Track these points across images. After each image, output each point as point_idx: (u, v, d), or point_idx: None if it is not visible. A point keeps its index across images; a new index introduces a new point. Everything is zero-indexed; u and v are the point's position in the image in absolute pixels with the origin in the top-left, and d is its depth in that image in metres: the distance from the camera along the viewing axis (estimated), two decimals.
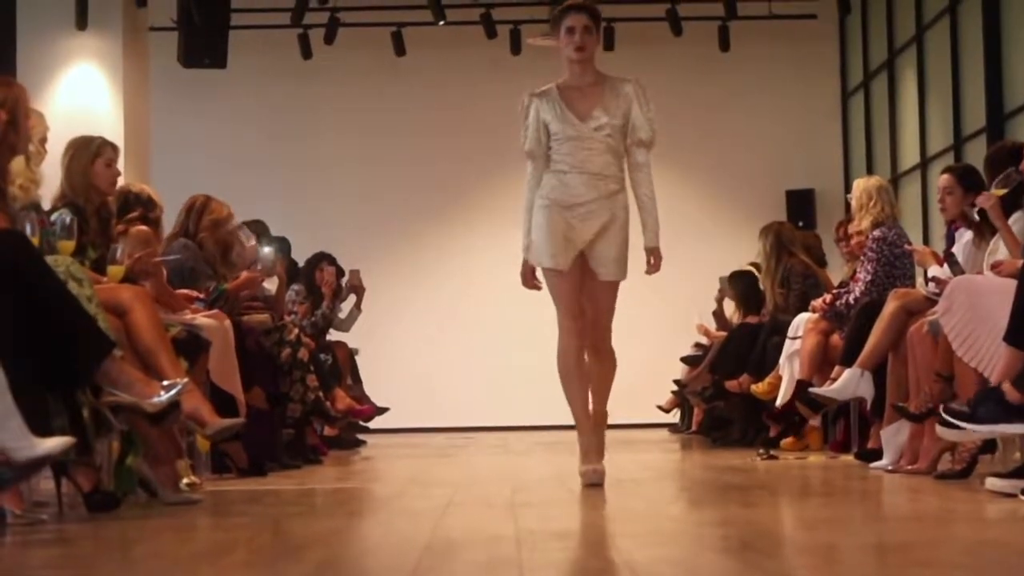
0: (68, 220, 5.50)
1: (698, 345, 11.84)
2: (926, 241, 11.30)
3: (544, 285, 6.01)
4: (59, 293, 4.53)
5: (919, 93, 12.80)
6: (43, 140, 5.77)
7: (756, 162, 15.08)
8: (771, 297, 9.61)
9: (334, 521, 4.74)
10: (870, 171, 13.38)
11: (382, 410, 10.65)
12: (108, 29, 12.38)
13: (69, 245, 5.38)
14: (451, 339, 14.93)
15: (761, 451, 8.22)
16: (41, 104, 8.90)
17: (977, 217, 6.49)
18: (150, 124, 13.02)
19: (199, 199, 7.78)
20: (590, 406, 5.96)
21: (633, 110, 5.93)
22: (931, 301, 6.46)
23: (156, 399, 4.65)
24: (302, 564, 3.38)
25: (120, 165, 6.21)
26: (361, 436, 11.16)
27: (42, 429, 4.10)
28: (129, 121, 12.22)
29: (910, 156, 13.12)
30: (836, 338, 8.23)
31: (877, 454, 6.90)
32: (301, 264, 10.98)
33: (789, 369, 8.67)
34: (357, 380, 11.04)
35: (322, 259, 10.99)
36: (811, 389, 7.60)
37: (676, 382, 11.52)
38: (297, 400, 8.13)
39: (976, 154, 10.01)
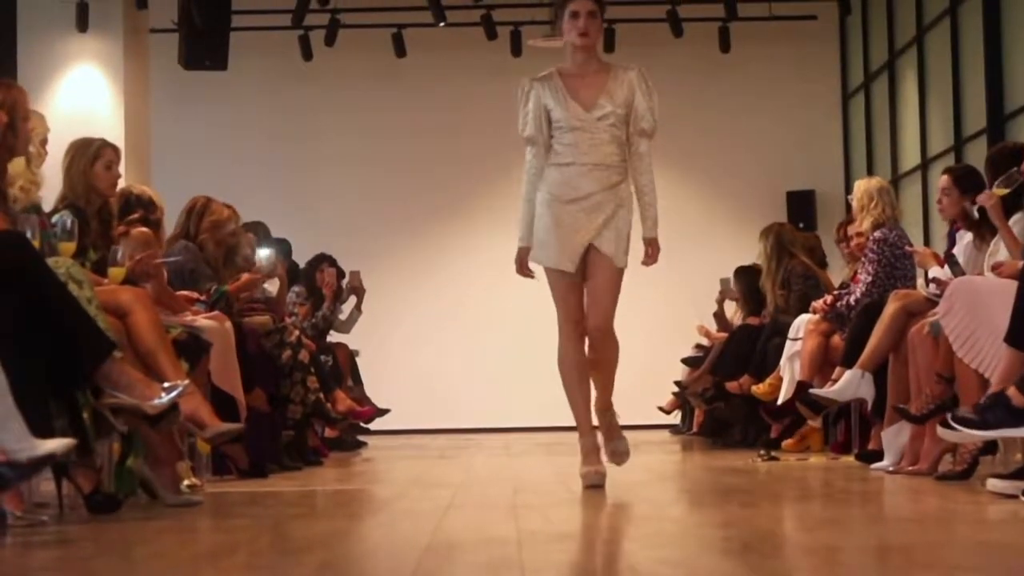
0: (69, 222, 5.49)
1: (699, 346, 11.84)
2: (927, 242, 11.30)
3: (536, 274, 5.91)
4: (60, 294, 4.53)
5: (920, 94, 12.80)
6: (44, 142, 5.77)
7: (756, 163, 15.08)
8: (772, 298, 9.61)
9: (335, 523, 4.74)
10: (870, 172, 13.37)
11: (383, 411, 10.65)
12: (109, 31, 12.38)
13: (70, 247, 5.38)
14: (452, 340, 14.94)
15: (762, 452, 8.22)
16: (42, 106, 8.91)
17: (977, 215, 6.49)
18: (151, 126, 13.02)
19: (200, 201, 7.78)
20: (592, 402, 5.92)
21: (636, 98, 5.83)
22: (932, 302, 6.46)
23: (157, 401, 4.65)
24: (303, 566, 3.38)
25: (121, 167, 6.21)
26: (362, 438, 11.16)
27: (43, 430, 4.09)
28: (130, 123, 12.22)
29: (911, 157, 13.12)
30: (837, 339, 8.23)
31: (878, 455, 6.89)
32: (302, 265, 10.99)
33: (790, 370, 8.67)
34: (358, 381, 11.05)
35: (323, 260, 10.99)
36: (812, 390, 7.59)
37: (677, 383, 11.52)
38: (298, 402, 8.13)
39: (977, 155, 10.01)
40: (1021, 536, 3.92)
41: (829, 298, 8.45)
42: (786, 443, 8.82)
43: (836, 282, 9.39)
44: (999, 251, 6.17)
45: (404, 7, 14.13)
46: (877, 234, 8.04)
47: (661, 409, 12.04)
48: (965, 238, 6.79)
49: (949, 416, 4.91)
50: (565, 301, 5.89)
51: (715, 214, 15.03)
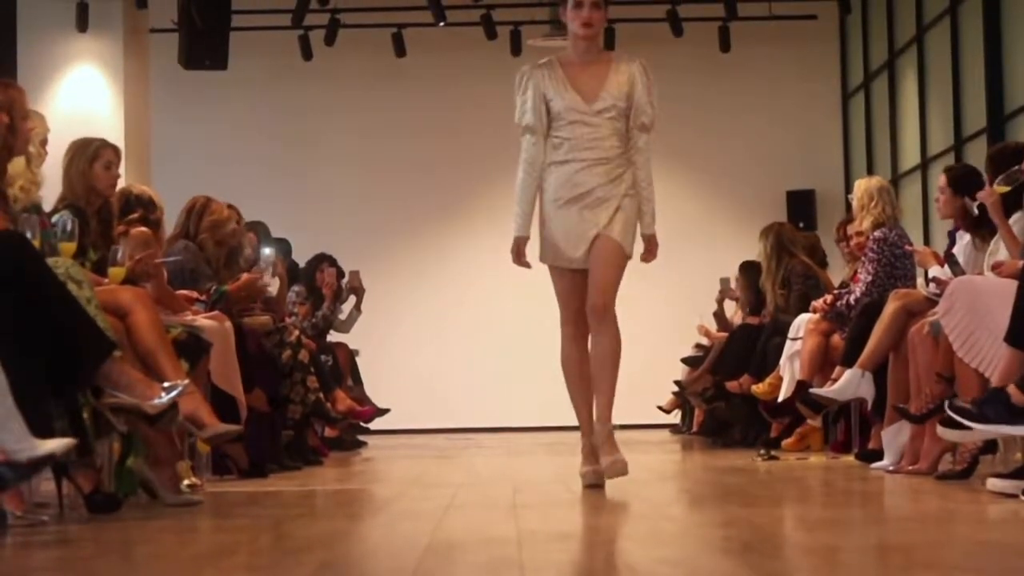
0: (69, 222, 5.49)
1: (699, 346, 11.84)
2: (927, 242, 11.30)
3: (535, 267, 5.86)
4: (60, 294, 4.53)
5: (919, 94, 12.80)
6: (44, 142, 5.76)
7: (756, 163, 15.08)
8: (772, 298, 9.61)
9: (335, 522, 4.74)
10: (870, 172, 13.37)
11: (382, 411, 10.65)
12: (109, 31, 12.39)
13: (70, 247, 5.38)
14: (452, 340, 14.94)
15: (762, 452, 8.22)
16: (42, 106, 8.91)
17: (976, 211, 6.49)
18: (151, 125, 13.03)
19: (199, 200, 7.78)
20: (594, 409, 5.90)
21: (637, 92, 5.78)
22: (932, 302, 6.46)
23: (157, 401, 4.65)
24: (303, 566, 3.38)
25: (120, 167, 6.21)
26: (362, 437, 11.16)
27: (43, 430, 4.09)
28: (130, 122, 12.23)
29: (910, 157, 13.12)
30: (837, 339, 8.22)
31: (878, 455, 6.90)
32: (302, 265, 10.99)
33: (790, 370, 8.67)
34: (358, 381, 11.04)
35: (323, 260, 10.99)
36: (812, 390, 7.59)
37: (677, 383, 11.52)
38: (298, 401, 8.13)
39: (977, 155, 10.00)
40: (1021, 536, 3.92)
41: (829, 297, 8.45)
42: (786, 443, 8.81)
43: (836, 282, 9.38)
44: (999, 250, 6.17)
45: (404, 7, 14.13)
46: (877, 233, 8.04)
47: (661, 409, 12.04)
48: (965, 238, 6.80)
49: (946, 404, 4.92)
50: (568, 302, 5.85)
51: (715, 214, 15.03)
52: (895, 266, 7.99)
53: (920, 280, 7.72)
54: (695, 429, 11.78)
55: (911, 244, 8.08)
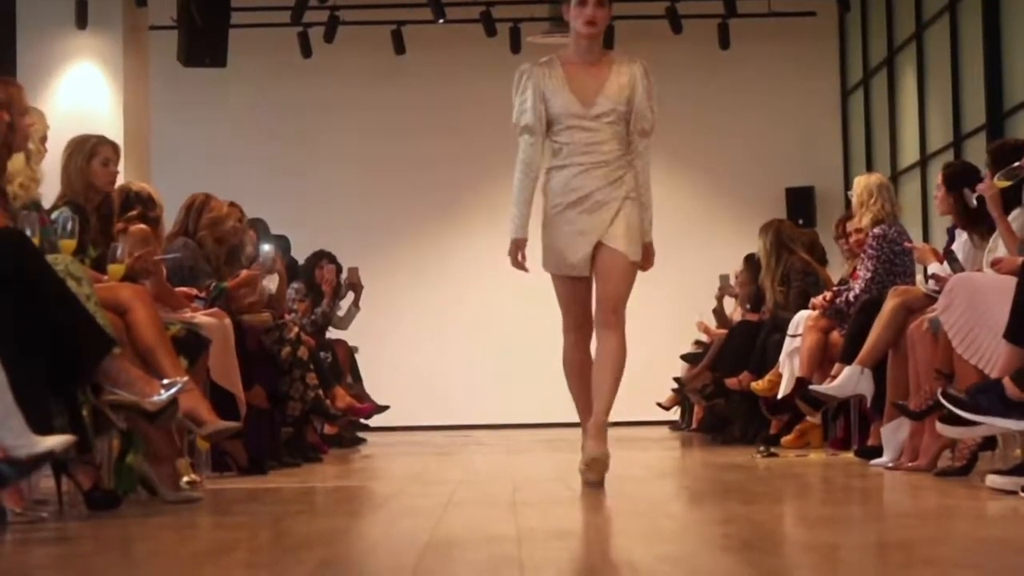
0: (69, 220, 5.49)
1: (698, 343, 11.85)
2: (926, 238, 11.30)
3: (533, 269, 5.81)
4: (59, 292, 4.53)
5: (919, 90, 12.80)
6: (43, 139, 5.76)
7: (756, 160, 15.07)
8: (771, 295, 9.61)
9: (335, 520, 4.74)
10: (870, 168, 13.36)
11: (382, 408, 10.65)
12: (108, 28, 12.38)
13: (70, 244, 5.38)
14: (451, 337, 14.94)
15: (761, 449, 8.22)
16: (41, 103, 8.90)
17: (975, 203, 6.48)
18: (150, 123, 13.02)
19: (199, 197, 7.77)
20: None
21: (637, 96, 5.72)
22: (931, 298, 6.46)
23: (156, 398, 4.65)
24: (303, 563, 3.38)
25: (120, 164, 6.20)
26: (361, 434, 11.16)
27: (42, 427, 4.09)
28: (129, 120, 12.22)
29: (910, 153, 13.12)
30: (836, 335, 8.23)
31: (877, 451, 6.90)
32: (301, 262, 10.98)
33: (789, 366, 8.67)
34: (357, 378, 11.04)
35: (322, 257, 10.99)
36: (811, 387, 7.59)
37: (676, 380, 11.52)
38: (297, 398, 8.13)
39: (976, 151, 10.01)
40: (1020, 532, 3.92)
41: (828, 294, 8.45)
42: (785, 439, 8.81)
43: (835, 278, 9.38)
44: (998, 247, 6.17)
45: (403, 4, 14.13)
46: (876, 230, 8.04)
47: (660, 405, 12.05)
48: (963, 235, 6.80)
49: (939, 392, 4.92)
50: (570, 308, 5.83)
51: (714, 211, 15.03)
52: (894, 263, 7.99)
53: (919, 277, 7.73)
54: (694, 426, 11.78)
55: (910, 241, 8.07)
